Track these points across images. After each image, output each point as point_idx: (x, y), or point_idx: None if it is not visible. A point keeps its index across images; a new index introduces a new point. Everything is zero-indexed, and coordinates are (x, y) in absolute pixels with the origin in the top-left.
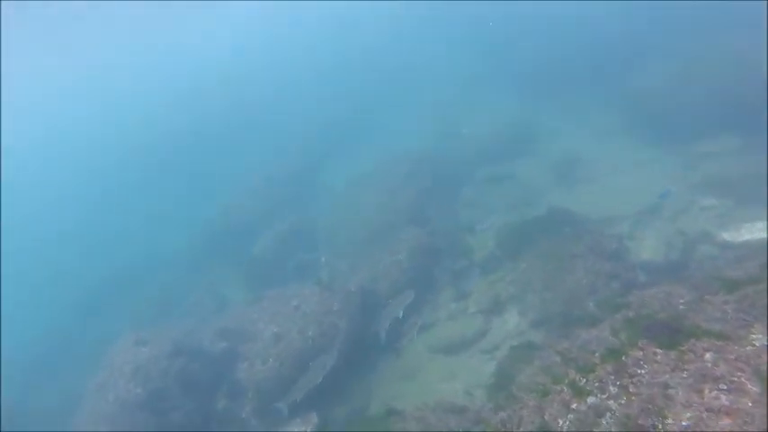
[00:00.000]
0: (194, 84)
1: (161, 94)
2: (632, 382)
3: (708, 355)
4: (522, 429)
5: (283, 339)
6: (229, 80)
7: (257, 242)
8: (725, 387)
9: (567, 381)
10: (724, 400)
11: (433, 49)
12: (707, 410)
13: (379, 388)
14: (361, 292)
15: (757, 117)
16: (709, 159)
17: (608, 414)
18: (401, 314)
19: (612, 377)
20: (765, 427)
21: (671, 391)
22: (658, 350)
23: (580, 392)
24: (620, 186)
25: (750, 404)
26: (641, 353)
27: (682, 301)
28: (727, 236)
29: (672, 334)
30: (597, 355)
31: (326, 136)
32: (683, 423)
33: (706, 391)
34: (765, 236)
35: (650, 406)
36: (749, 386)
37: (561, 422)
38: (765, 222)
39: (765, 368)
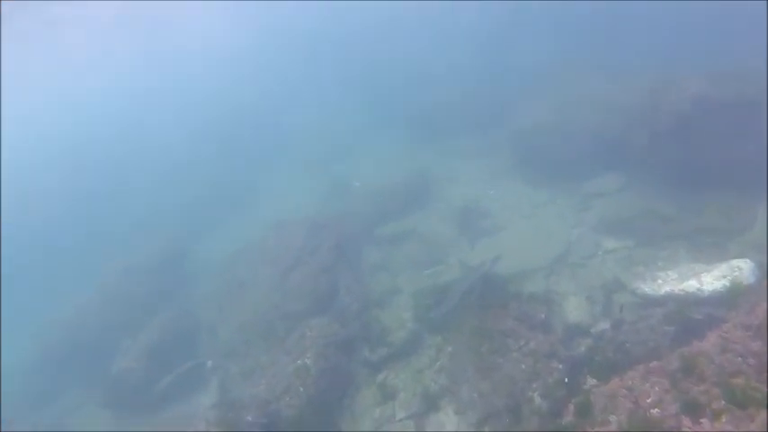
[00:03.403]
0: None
1: None
2: None
3: None
4: None
5: None
6: (63, 144)
7: (118, 356)
8: None
9: None
10: None
11: (310, 102)
12: None
13: None
14: (261, 423)
15: (631, 155)
16: (600, 199)
17: None
18: None
19: None
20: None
21: None
22: None
23: None
24: (524, 234)
25: None
26: None
27: (649, 400)
28: (647, 288)
29: None
30: None
31: (199, 207)
32: None
33: None
34: (682, 287)
35: None
36: None
37: None
38: (677, 271)
39: None
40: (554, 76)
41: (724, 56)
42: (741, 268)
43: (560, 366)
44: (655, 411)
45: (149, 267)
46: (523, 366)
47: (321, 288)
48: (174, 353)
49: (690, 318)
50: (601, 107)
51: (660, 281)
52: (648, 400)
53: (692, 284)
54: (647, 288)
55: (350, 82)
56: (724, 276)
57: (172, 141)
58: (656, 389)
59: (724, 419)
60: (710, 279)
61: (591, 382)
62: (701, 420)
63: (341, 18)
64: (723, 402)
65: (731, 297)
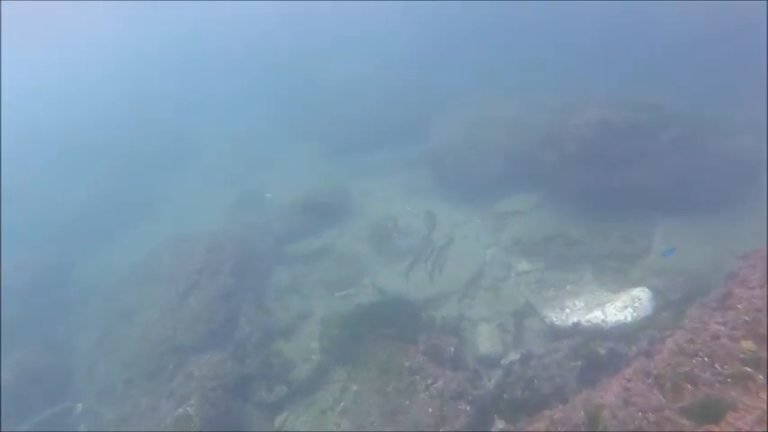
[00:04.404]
0: None
1: None
2: None
3: None
4: None
5: None
6: None
7: None
8: None
9: None
10: None
11: (227, 112)
12: None
13: None
14: None
15: (542, 176)
16: (513, 218)
17: None
18: None
19: None
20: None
21: None
22: None
23: None
24: (442, 253)
25: None
26: None
27: None
28: (555, 318)
29: None
30: None
31: (92, 218)
32: None
33: None
34: (588, 317)
35: None
36: None
37: None
38: (583, 300)
39: None
40: (469, 95)
41: (632, 84)
42: (640, 299)
43: (468, 408)
44: None
45: (18, 287)
46: (430, 410)
47: (218, 317)
48: (36, 395)
49: (595, 352)
50: (513, 128)
51: (568, 310)
52: None
53: (597, 315)
54: (556, 318)
55: (268, 93)
56: (625, 307)
57: (69, 143)
58: None
59: None
60: (613, 310)
61: (499, 425)
62: None
63: (264, 30)
64: None
65: (632, 331)
